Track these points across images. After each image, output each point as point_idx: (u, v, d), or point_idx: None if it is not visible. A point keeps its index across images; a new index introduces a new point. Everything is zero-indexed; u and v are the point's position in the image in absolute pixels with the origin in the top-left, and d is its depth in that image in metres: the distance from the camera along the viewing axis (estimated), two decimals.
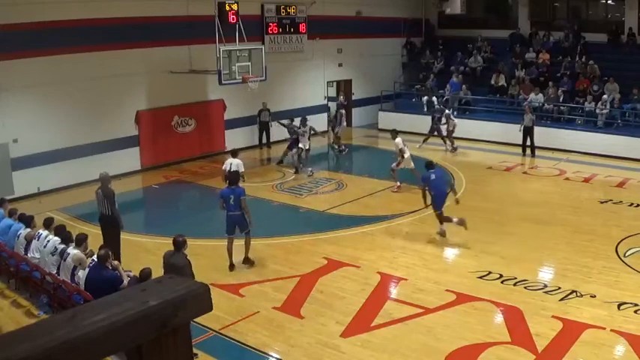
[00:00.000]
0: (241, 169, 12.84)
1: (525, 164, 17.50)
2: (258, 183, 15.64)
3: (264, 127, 19.48)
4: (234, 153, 13.60)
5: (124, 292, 1.56)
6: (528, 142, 18.00)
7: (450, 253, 11.25)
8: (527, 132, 17.79)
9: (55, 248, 8.67)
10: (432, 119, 19.25)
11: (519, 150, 18.68)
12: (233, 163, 13.01)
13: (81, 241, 8.50)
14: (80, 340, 1.33)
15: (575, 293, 8.80)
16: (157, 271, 7.27)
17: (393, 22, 24.16)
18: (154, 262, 8.87)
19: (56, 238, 8.85)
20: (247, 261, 10.18)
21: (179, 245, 7.61)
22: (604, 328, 7.75)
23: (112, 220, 9.82)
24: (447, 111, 19.22)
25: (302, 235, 11.78)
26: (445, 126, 18.99)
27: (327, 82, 22.51)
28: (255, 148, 19.66)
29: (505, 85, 21.39)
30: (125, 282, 7.86)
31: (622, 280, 9.28)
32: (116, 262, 8.28)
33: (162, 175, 16.63)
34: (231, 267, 10.03)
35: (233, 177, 10.36)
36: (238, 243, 10.20)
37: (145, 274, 7.39)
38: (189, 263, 7.54)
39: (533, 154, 17.89)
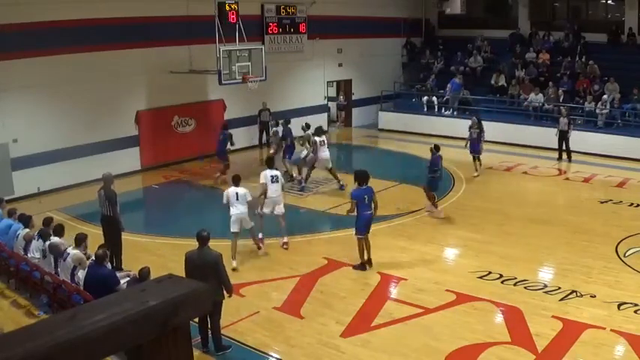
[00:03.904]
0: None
1: (563, 169, 16.96)
2: (258, 183, 15.60)
3: (265, 127, 19.48)
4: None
5: (124, 292, 1.56)
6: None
7: (450, 253, 11.25)
8: (563, 136, 17.40)
9: (44, 251, 8.75)
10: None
11: (520, 150, 18.70)
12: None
13: (80, 240, 8.50)
14: (80, 340, 1.33)
15: (575, 293, 8.80)
16: (157, 271, 7.24)
17: (393, 22, 24.16)
18: (154, 262, 8.90)
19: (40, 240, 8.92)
20: (370, 262, 10.00)
21: (205, 240, 7.34)
22: (604, 328, 7.75)
23: (113, 221, 9.82)
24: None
25: (302, 235, 11.78)
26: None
27: (327, 82, 22.52)
28: (255, 148, 19.67)
29: (505, 85, 21.39)
30: (122, 282, 7.86)
31: (622, 280, 9.28)
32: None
33: (162, 175, 16.62)
34: (364, 265, 9.89)
35: (362, 176, 10.02)
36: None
37: (144, 273, 7.39)
38: (221, 255, 7.36)
39: (569, 159, 17.49)
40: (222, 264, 7.27)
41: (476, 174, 15.48)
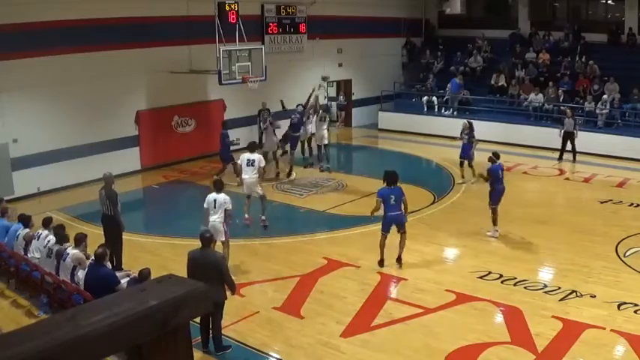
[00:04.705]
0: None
1: (563, 169, 16.97)
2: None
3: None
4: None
5: (124, 292, 1.56)
6: (568, 147, 17.35)
7: (450, 253, 11.25)
8: (568, 137, 17.25)
9: (50, 250, 8.68)
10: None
11: (520, 150, 18.67)
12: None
13: (80, 240, 8.49)
14: (80, 340, 1.33)
15: (575, 293, 8.81)
16: (157, 271, 7.24)
17: (393, 22, 24.16)
18: (153, 262, 8.91)
19: (52, 237, 8.85)
20: (400, 261, 10.05)
21: (208, 241, 7.39)
22: (604, 328, 7.76)
23: (114, 221, 9.82)
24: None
25: (302, 235, 11.78)
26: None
27: (327, 82, 22.48)
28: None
29: (505, 85, 21.39)
30: (122, 282, 7.86)
31: (622, 280, 9.29)
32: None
33: (162, 175, 16.63)
34: (382, 262, 10.00)
35: (390, 177, 10.01)
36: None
37: (144, 274, 7.39)
38: (224, 256, 7.40)
39: (574, 159, 17.39)
40: (225, 264, 7.30)
41: (473, 180, 14.49)
